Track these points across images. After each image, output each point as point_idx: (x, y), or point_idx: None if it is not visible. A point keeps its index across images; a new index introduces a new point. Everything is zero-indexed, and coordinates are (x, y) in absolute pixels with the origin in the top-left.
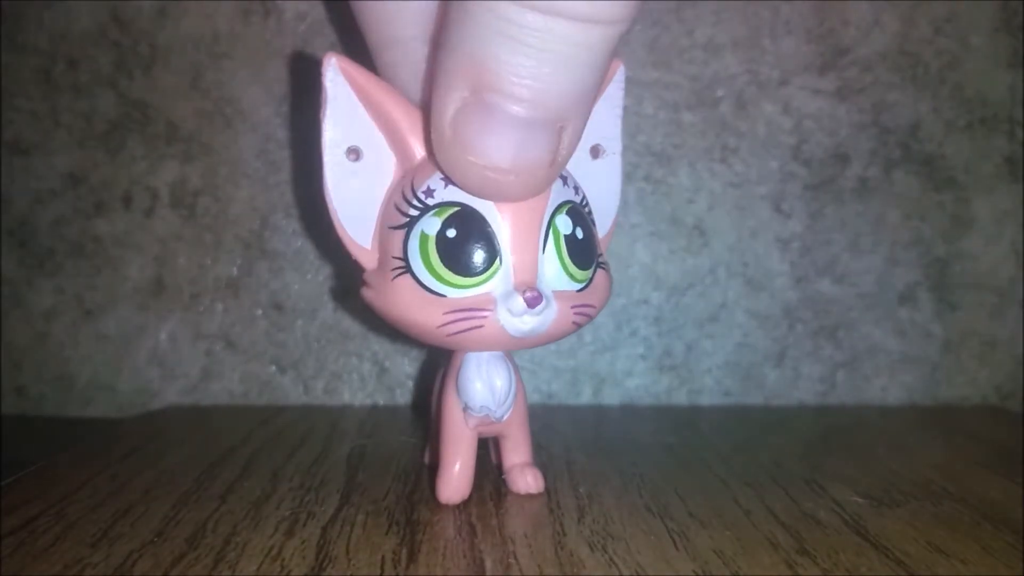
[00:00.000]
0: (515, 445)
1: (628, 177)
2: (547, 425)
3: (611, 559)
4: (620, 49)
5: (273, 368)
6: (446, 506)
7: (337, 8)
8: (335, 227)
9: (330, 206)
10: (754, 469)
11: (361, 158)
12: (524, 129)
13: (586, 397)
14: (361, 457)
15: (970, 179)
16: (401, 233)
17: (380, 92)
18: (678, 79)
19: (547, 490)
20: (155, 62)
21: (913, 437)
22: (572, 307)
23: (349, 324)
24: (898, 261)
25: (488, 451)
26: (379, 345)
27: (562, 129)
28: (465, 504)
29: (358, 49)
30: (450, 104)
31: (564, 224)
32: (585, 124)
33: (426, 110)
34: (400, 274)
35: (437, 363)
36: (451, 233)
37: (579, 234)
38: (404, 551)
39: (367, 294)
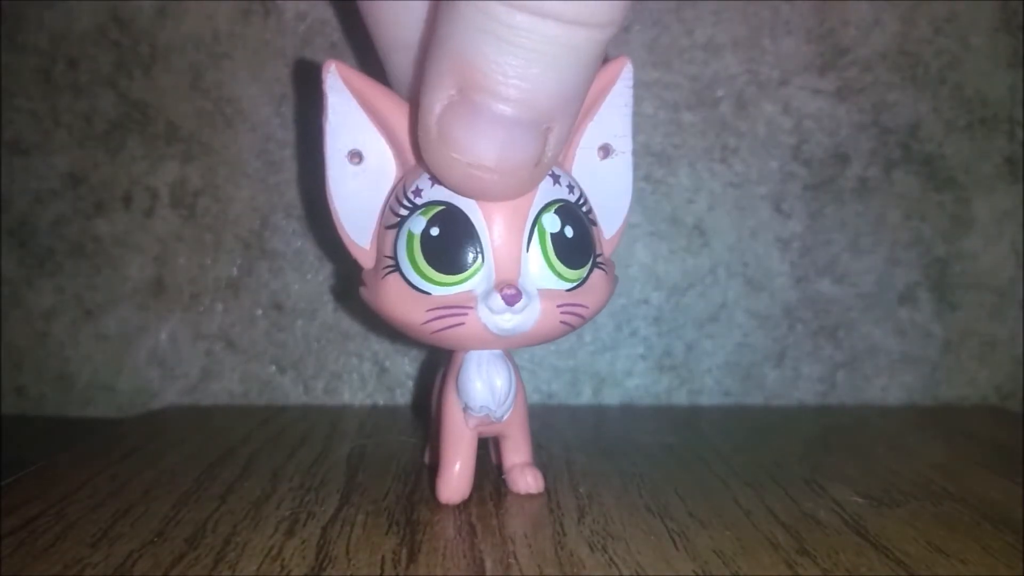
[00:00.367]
0: (515, 445)
1: None
2: (547, 425)
3: (611, 559)
4: (620, 49)
5: (273, 368)
6: (446, 506)
7: (337, 8)
8: (336, 228)
9: (332, 207)
10: (754, 469)
11: (363, 161)
12: (510, 129)
13: (586, 397)
14: (361, 457)
15: (970, 179)
16: (393, 232)
17: (379, 96)
18: (678, 79)
19: (547, 490)
20: (155, 62)
21: (913, 437)
22: (559, 306)
23: (349, 324)
24: (898, 261)
25: (488, 451)
26: (379, 345)
27: (548, 130)
28: (465, 504)
29: (359, 49)
30: (437, 101)
31: (551, 223)
32: (573, 126)
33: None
34: (389, 272)
35: (437, 363)
36: (435, 231)
37: (568, 233)
38: (404, 551)
39: (363, 292)
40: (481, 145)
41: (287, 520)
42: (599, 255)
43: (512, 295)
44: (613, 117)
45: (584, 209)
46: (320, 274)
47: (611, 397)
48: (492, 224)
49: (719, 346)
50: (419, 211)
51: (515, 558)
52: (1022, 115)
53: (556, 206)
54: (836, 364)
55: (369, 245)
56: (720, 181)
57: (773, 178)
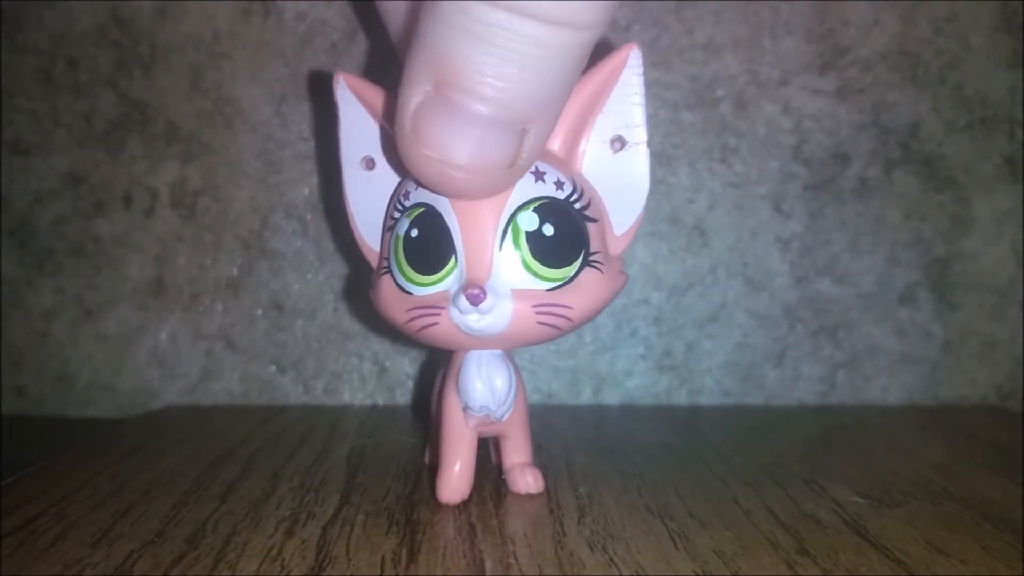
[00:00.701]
0: (515, 445)
1: None
2: (547, 425)
3: (611, 559)
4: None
5: (273, 368)
6: (446, 506)
7: (337, 8)
8: (352, 231)
9: (348, 212)
10: (754, 469)
11: (375, 166)
12: (484, 128)
13: (586, 397)
14: (361, 457)
15: (970, 179)
16: (389, 235)
17: (387, 104)
18: (678, 79)
19: (547, 490)
20: (155, 62)
21: (913, 437)
22: (535, 307)
23: (349, 324)
24: (898, 261)
25: (488, 451)
26: (379, 345)
27: (525, 132)
28: (465, 504)
29: (359, 49)
30: (412, 98)
31: (528, 221)
32: (552, 128)
33: None
34: (384, 273)
35: (437, 363)
36: (414, 233)
37: (547, 231)
38: (404, 551)
39: (369, 292)
40: (454, 143)
41: (287, 520)
42: (594, 253)
43: (475, 295)
44: (624, 107)
45: (577, 206)
46: (320, 274)
47: (611, 397)
48: (465, 224)
49: (719, 346)
50: (406, 213)
51: (515, 558)
52: (1022, 115)
53: (535, 204)
54: (836, 364)
55: (379, 247)
56: (720, 181)
57: (773, 178)
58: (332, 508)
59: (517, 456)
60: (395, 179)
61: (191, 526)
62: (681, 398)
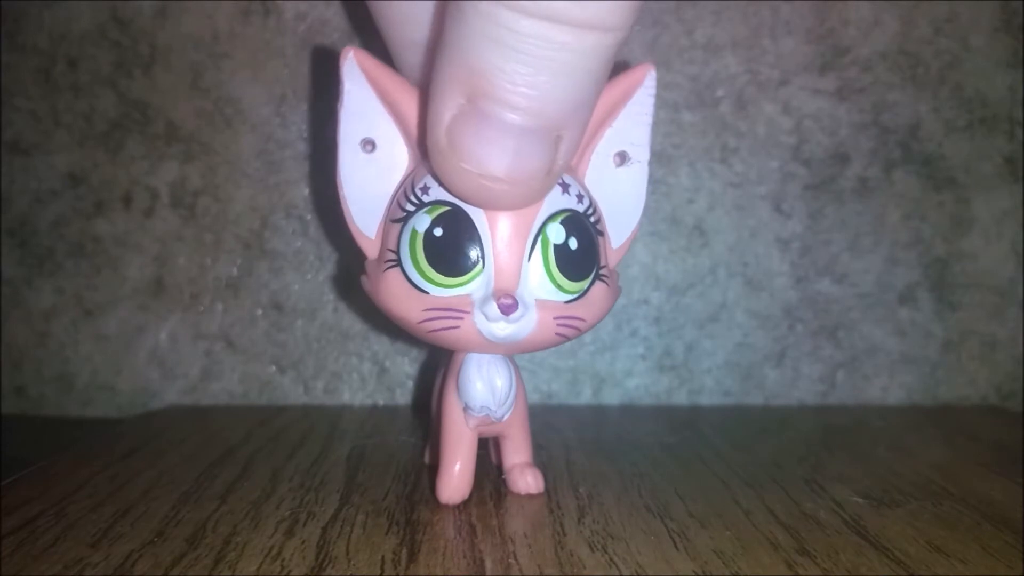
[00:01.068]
0: (515, 445)
1: None
2: (547, 425)
3: (611, 559)
4: (620, 48)
5: (273, 368)
6: (446, 506)
7: (337, 8)
8: (344, 214)
9: (341, 194)
10: (754, 469)
11: (375, 150)
12: (520, 137)
13: (586, 397)
14: (361, 457)
15: (970, 179)
16: (397, 227)
17: (395, 86)
18: (678, 79)
19: (547, 490)
20: (155, 62)
21: (913, 437)
22: (555, 318)
23: (349, 324)
24: (898, 261)
25: (488, 451)
26: (379, 345)
27: (559, 138)
28: (465, 504)
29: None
30: (446, 112)
31: (556, 233)
32: (583, 133)
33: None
34: (391, 267)
35: (437, 363)
36: (438, 232)
37: (572, 245)
38: (404, 551)
39: (364, 282)
40: (492, 155)
41: (287, 520)
42: (603, 267)
43: (509, 305)
44: (632, 125)
45: (593, 219)
46: (320, 274)
47: (611, 397)
48: (496, 231)
49: (719, 346)
50: (425, 209)
51: (515, 558)
52: (1022, 115)
53: (563, 216)
54: (836, 364)
55: (375, 235)
56: (720, 181)
57: (773, 178)
58: (332, 508)
59: (517, 456)
60: (396, 165)
61: (191, 526)
62: (681, 398)
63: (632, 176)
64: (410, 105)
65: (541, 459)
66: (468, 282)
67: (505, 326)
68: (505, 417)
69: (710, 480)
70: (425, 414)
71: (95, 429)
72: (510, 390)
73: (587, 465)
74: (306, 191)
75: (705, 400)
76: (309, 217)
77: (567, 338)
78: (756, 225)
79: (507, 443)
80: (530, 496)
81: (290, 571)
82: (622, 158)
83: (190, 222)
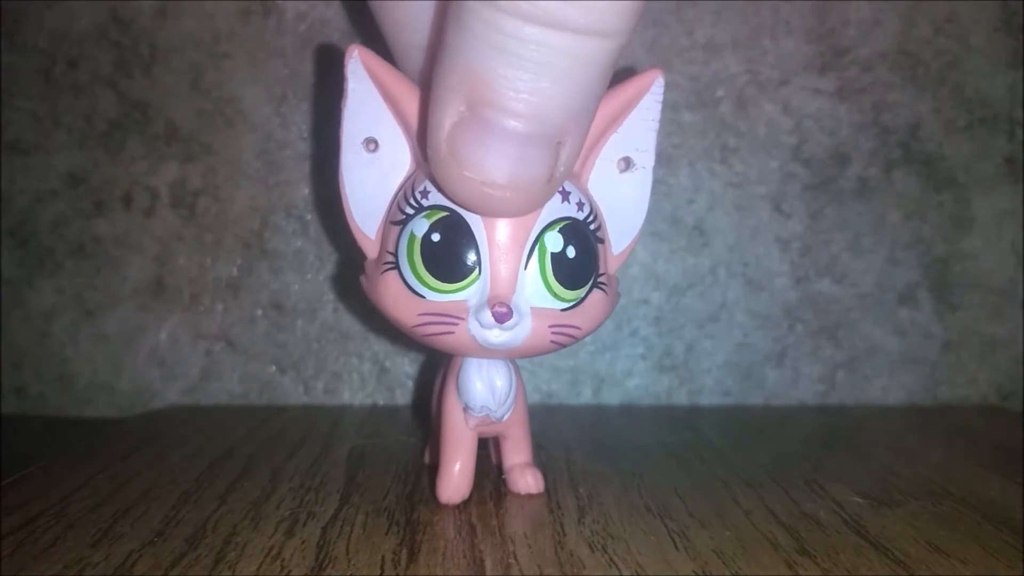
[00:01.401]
0: (515, 445)
1: None
2: (547, 425)
3: (611, 559)
4: (622, 54)
5: (273, 368)
6: (446, 506)
7: (337, 8)
8: (344, 213)
9: (343, 193)
10: (754, 469)
11: (378, 149)
12: (522, 145)
13: (586, 397)
14: (361, 457)
15: (970, 179)
16: (397, 229)
17: (399, 86)
18: (678, 79)
19: (547, 490)
20: (155, 62)
21: (913, 437)
22: (550, 326)
23: (349, 324)
24: (898, 261)
25: (488, 451)
26: (379, 345)
27: (560, 145)
28: (465, 504)
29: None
30: (446, 119)
31: (553, 242)
32: (585, 139)
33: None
34: (389, 269)
35: (437, 363)
36: (436, 237)
37: (570, 253)
38: (404, 551)
39: (363, 282)
40: (492, 162)
41: (287, 520)
42: (601, 274)
43: (503, 313)
44: (638, 130)
45: (593, 227)
46: (320, 274)
47: (611, 397)
48: (493, 238)
49: (719, 346)
50: (423, 213)
51: (515, 558)
52: (1022, 115)
53: (561, 224)
54: (836, 364)
55: (375, 236)
56: (720, 181)
57: (773, 178)
58: (332, 508)
59: (517, 456)
60: (398, 166)
61: (191, 526)
62: (681, 398)
63: (636, 182)
64: (413, 105)
65: (541, 459)
66: (464, 288)
67: (500, 333)
68: (505, 417)
69: (710, 480)
70: (425, 414)
71: (95, 429)
72: (510, 390)
73: (587, 465)
74: (306, 191)
75: (705, 400)
76: (309, 217)
77: (563, 345)
78: (756, 225)
79: (507, 443)
80: (530, 496)
81: (290, 571)
82: (627, 163)
83: (190, 222)
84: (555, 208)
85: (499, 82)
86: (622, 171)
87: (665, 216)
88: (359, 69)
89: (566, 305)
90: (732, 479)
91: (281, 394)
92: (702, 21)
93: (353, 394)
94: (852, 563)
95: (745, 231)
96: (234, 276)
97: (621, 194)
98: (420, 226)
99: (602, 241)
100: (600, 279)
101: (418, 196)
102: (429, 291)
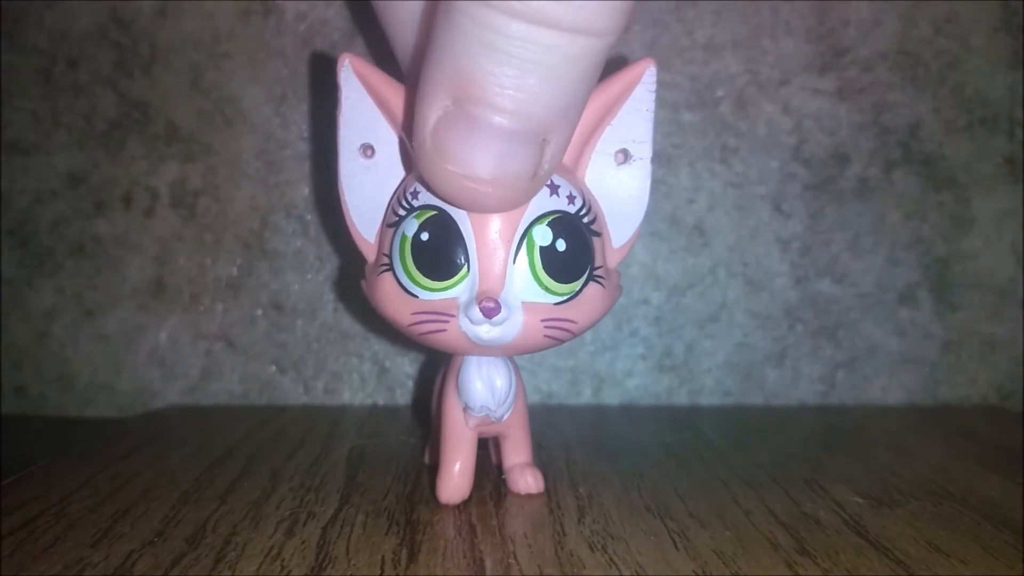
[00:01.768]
0: (515, 445)
1: None
2: (547, 425)
3: (611, 559)
4: (619, 49)
5: (273, 368)
6: (446, 506)
7: (337, 8)
8: (345, 219)
9: (342, 200)
10: (754, 469)
11: (374, 155)
12: (506, 140)
13: (586, 397)
14: (361, 457)
15: (970, 179)
16: (391, 232)
17: (391, 91)
18: (678, 79)
19: (547, 490)
20: (155, 62)
21: (913, 437)
22: (543, 321)
23: (349, 324)
24: (898, 261)
25: (488, 451)
26: (379, 345)
27: (545, 142)
28: (465, 504)
29: (360, 49)
30: (431, 113)
31: (542, 235)
32: (571, 137)
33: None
34: (384, 271)
35: (437, 363)
36: (425, 236)
37: (560, 247)
38: (404, 551)
39: (363, 285)
40: (477, 157)
41: (287, 520)
42: (598, 268)
43: (491, 308)
44: (633, 121)
45: (586, 220)
46: (320, 274)
47: (611, 397)
48: (480, 234)
49: (719, 346)
50: (414, 214)
51: (515, 558)
52: (1022, 115)
53: (550, 218)
54: (836, 364)
55: (374, 239)
56: (720, 181)
57: (773, 178)
58: (332, 508)
59: (517, 456)
60: (396, 170)
61: (191, 526)
62: (681, 398)
63: (634, 174)
64: (407, 108)
65: (541, 459)
66: (454, 286)
67: (489, 329)
68: (505, 417)
69: (710, 480)
70: (425, 414)
71: (95, 429)
72: (510, 390)
73: (587, 465)
74: (306, 191)
75: (705, 400)
76: (309, 217)
77: (559, 340)
78: (756, 225)
79: (507, 443)
80: (530, 496)
81: (290, 571)
82: (625, 156)
83: (190, 222)
84: (543, 202)
85: (485, 78)
86: (620, 164)
87: (665, 216)
88: (351, 77)
89: (559, 299)
90: (732, 479)
91: (281, 394)
92: (702, 21)
93: (353, 394)
94: (852, 563)
95: (745, 231)
96: (234, 276)
97: (620, 187)
98: (410, 226)
99: (598, 234)
100: (597, 272)
101: (409, 197)
102: (421, 290)
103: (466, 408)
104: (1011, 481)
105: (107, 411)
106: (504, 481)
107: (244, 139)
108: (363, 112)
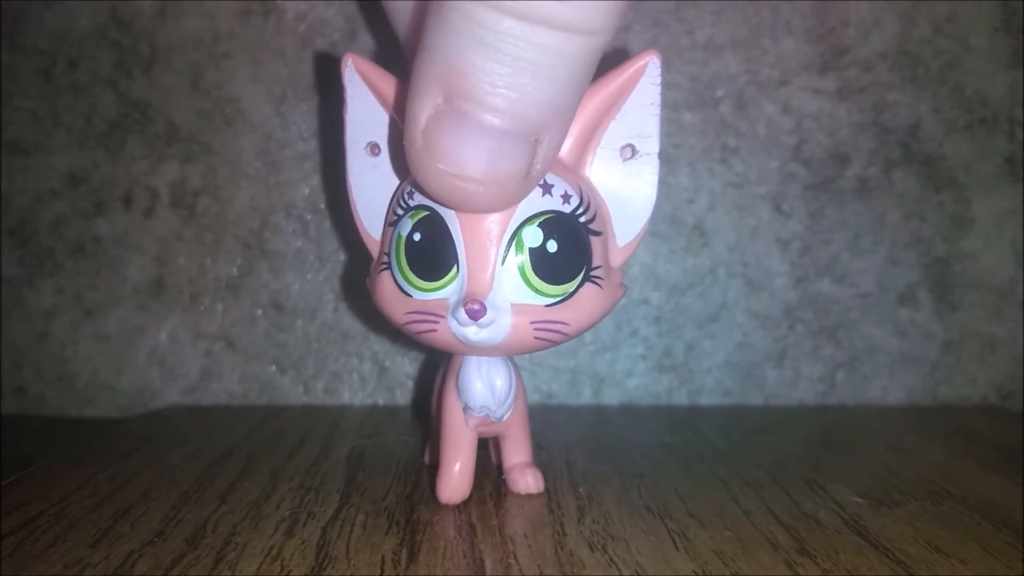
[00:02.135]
0: (515, 445)
1: None
2: (547, 425)
3: (611, 559)
4: (619, 49)
5: (273, 368)
6: (446, 506)
7: (337, 8)
8: (353, 217)
9: (350, 198)
10: (754, 469)
11: (380, 153)
12: (498, 139)
13: (586, 397)
14: (361, 457)
15: (970, 179)
16: (391, 231)
17: (395, 90)
18: (678, 79)
19: (547, 490)
20: (155, 62)
21: (913, 437)
22: (532, 323)
23: (349, 324)
24: (898, 261)
25: (488, 451)
26: (379, 345)
27: (537, 142)
28: (465, 504)
29: (360, 49)
30: (423, 111)
31: (532, 236)
32: (564, 138)
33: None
34: (383, 269)
35: (437, 363)
36: (417, 237)
37: (551, 248)
38: (404, 551)
39: (367, 282)
40: (468, 156)
41: (287, 520)
42: (595, 268)
43: (476, 310)
44: (638, 116)
45: (583, 220)
46: (320, 274)
47: (611, 397)
48: (469, 235)
49: (719, 346)
50: (409, 213)
51: (515, 558)
52: (1022, 115)
53: (541, 219)
54: (836, 364)
55: (379, 237)
56: (720, 181)
57: (773, 178)
58: (332, 508)
59: (517, 456)
60: (400, 169)
61: (191, 526)
62: (681, 398)
63: (641, 170)
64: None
65: (541, 459)
66: (444, 286)
67: (477, 330)
68: (505, 417)
69: (710, 480)
70: (425, 414)
71: (95, 429)
72: (510, 390)
73: (587, 465)
74: (306, 191)
75: (705, 400)
76: (309, 217)
77: (551, 342)
78: (756, 225)
79: (507, 443)
80: (530, 496)
81: (290, 571)
82: (631, 151)
83: (190, 222)
84: (535, 202)
85: (476, 75)
86: (627, 159)
87: (665, 216)
88: (355, 76)
89: (551, 301)
90: (732, 479)
91: (281, 394)
92: (702, 21)
93: (353, 394)
94: (852, 563)
95: (745, 231)
96: (234, 276)
97: (627, 183)
98: (405, 226)
99: (598, 233)
100: (594, 273)
101: (405, 197)
102: (415, 290)
103: (466, 408)
104: (1011, 481)
105: (107, 411)
106: (504, 481)
107: (244, 139)
108: (368, 111)
